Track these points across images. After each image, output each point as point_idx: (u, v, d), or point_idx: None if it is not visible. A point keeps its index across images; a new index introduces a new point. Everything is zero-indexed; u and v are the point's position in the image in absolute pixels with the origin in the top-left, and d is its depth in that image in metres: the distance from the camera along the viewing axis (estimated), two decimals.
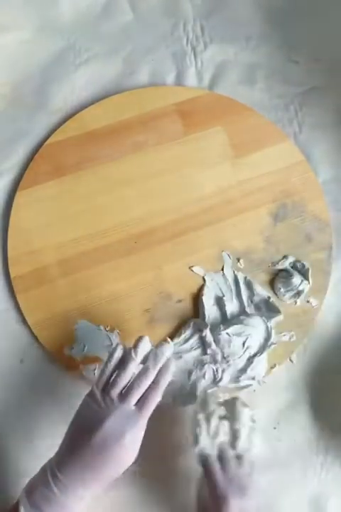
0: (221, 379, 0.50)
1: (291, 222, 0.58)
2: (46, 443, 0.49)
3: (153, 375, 0.42)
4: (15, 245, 0.56)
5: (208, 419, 0.46)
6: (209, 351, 0.51)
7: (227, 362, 0.51)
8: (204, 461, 0.44)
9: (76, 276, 0.55)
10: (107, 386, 0.42)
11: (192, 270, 0.55)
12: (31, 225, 0.56)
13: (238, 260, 0.56)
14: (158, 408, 0.42)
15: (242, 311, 0.54)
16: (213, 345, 0.51)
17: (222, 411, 0.47)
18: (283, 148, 0.60)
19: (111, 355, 0.43)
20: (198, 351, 0.51)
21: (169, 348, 0.44)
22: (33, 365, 0.53)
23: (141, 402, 0.41)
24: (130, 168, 0.59)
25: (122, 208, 0.57)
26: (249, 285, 0.55)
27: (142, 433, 0.41)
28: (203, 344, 0.51)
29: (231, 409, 0.47)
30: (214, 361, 0.50)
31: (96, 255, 0.55)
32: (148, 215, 0.57)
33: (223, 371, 0.50)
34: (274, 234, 0.57)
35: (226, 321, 0.53)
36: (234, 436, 0.45)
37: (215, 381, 0.50)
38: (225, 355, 0.51)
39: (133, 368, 0.42)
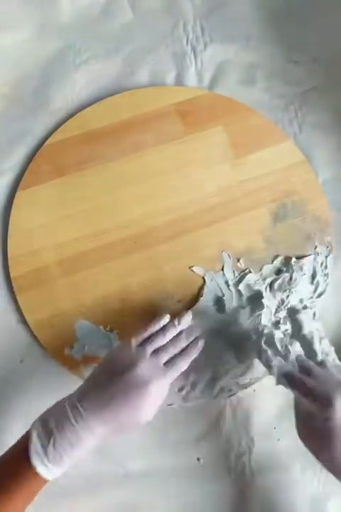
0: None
1: (291, 222, 0.58)
2: None
3: (184, 343, 0.47)
4: (16, 245, 0.56)
5: (270, 344, 0.46)
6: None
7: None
8: (289, 377, 0.43)
9: (76, 276, 0.55)
10: (144, 342, 0.46)
11: (192, 270, 0.55)
12: (31, 225, 0.56)
13: (238, 260, 0.56)
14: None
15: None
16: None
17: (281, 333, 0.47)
18: (283, 148, 0.60)
19: (157, 320, 0.48)
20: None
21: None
22: (33, 365, 0.53)
23: (170, 364, 0.45)
24: (130, 168, 0.59)
25: (122, 207, 0.57)
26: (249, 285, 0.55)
27: (165, 392, 0.44)
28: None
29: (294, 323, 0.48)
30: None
31: (96, 255, 0.56)
32: (148, 215, 0.57)
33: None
34: (274, 234, 0.57)
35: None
36: (308, 343, 0.44)
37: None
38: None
39: (171, 334, 0.47)
